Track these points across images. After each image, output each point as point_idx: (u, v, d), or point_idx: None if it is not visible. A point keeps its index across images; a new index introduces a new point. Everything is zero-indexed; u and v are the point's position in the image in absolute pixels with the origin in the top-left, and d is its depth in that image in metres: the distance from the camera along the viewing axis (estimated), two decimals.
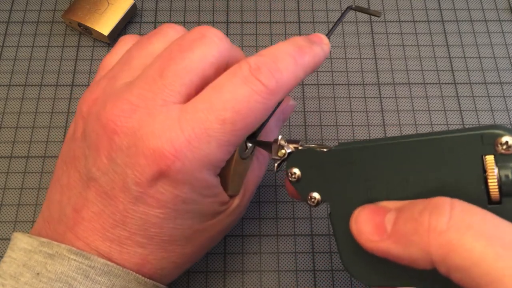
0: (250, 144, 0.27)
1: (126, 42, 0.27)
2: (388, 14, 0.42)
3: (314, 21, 0.41)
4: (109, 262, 0.22)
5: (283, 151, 0.24)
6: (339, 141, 0.36)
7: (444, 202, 0.18)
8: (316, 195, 0.23)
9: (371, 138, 0.36)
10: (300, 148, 0.23)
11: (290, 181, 0.23)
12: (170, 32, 0.25)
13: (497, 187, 0.19)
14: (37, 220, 0.25)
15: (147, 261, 0.23)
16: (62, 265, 0.22)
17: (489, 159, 0.19)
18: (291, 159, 0.23)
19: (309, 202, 0.23)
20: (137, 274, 0.23)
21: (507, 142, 0.19)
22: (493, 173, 0.19)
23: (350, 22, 0.41)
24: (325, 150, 0.22)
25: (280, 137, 0.24)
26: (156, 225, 0.23)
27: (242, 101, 0.21)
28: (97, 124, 0.22)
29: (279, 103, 0.24)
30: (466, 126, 0.37)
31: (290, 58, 0.23)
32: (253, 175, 0.28)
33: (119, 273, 0.22)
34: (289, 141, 0.24)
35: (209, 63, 0.23)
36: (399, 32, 0.41)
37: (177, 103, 0.22)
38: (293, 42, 0.24)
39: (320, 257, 0.32)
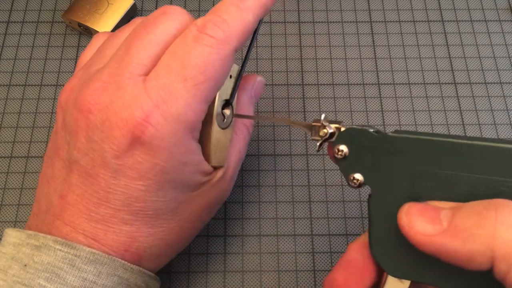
0: (228, 113, 0.27)
1: (99, 39, 0.28)
2: (388, 14, 0.42)
3: (314, 21, 0.41)
4: (94, 251, 0.23)
5: (325, 130, 0.23)
6: None
7: (508, 202, 0.18)
8: (359, 176, 0.22)
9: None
10: (350, 127, 0.23)
11: (335, 158, 0.22)
12: None
13: None
14: (29, 218, 0.26)
15: (134, 239, 0.24)
16: (49, 256, 0.22)
17: None
18: (341, 135, 0.23)
19: (350, 183, 0.22)
20: (123, 261, 0.23)
21: None
22: None
23: (350, 22, 0.41)
24: (377, 134, 0.22)
25: (323, 116, 0.24)
26: (140, 199, 0.23)
27: (198, 57, 0.22)
28: (74, 109, 0.23)
29: (242, 69, 0.27)
30: (466, 126, 0.37)
31: (233, 6, 0.24)
32: (234, 150, 0.28)
33: (105, 261, 0.23)
34: (331, 122, 0.23)
35: (172, 36, 0.24)
36: (399, 32, 0.41)
37: (144, 76, 0.23)
38: None
39: (320, 257, 0.32)
